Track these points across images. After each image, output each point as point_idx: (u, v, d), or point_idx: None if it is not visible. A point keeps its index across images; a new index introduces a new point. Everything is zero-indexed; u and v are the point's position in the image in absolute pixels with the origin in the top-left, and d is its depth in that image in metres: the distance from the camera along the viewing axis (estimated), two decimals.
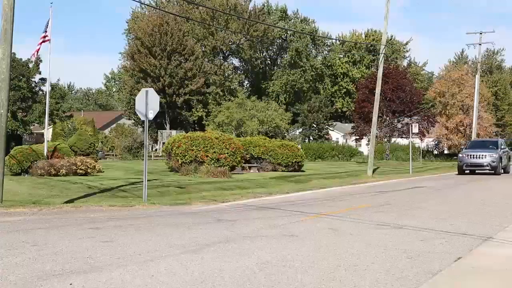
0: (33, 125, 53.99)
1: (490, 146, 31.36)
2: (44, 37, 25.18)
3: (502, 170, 31.04)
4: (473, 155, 29.99)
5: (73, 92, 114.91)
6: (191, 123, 63.18)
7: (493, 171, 29.60)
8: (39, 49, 25.73)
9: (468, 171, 30.41)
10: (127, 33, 69.07)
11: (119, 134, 60.27)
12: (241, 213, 12.39)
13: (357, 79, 72.11)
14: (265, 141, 30.08)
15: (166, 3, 68.11)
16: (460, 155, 31.05)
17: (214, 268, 6.62)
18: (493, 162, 29.38)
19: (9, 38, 13.31)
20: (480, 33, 49.71)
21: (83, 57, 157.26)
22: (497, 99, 79.96)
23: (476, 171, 30.55)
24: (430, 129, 56.17)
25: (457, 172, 30.85)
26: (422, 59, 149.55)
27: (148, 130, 17.22)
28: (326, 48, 77.93)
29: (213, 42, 65.10)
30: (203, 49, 65.27)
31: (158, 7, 63.53)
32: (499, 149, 30.46)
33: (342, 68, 78.06)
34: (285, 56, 72.08)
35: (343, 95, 78.54)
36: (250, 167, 28.64)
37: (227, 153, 24.89)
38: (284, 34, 71.10)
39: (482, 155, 29.76)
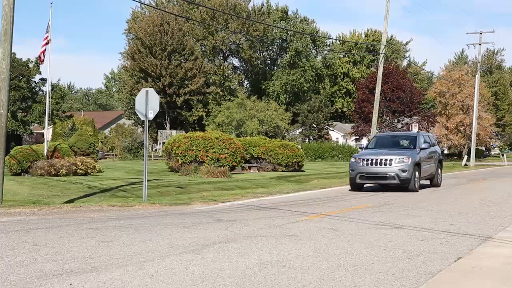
0: (33, 125, 54.00)
1: (404, 144, 20.42)
2: (47, 38, 25.25)
3: (431, 181, 21.09)
4: (372, 160, 18.48)
5: (73, 92, 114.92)
6: (191, 123, 63.17)
7: (403, 185, 18.27)
8: (44, 50, 25.79)
9: (363, 185, 19.21)
10: (127, 33, 69.05)
11: (119, 134, 60.30)
12: (241, 213, 12.39)
13: (357, 79, 72.13)
14: (265, 141, 30.09)
15: (166, 3, 68.11)
16: (352, 159, 19.45)
17: (214, 268, 6.62)
18: (403, 171, 18.06)
19: (9, 38, 13.31)
20: (480, 33, 49.75)
21: (83, 57, 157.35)
22: (497, 99, 79.98)
23: (377, 184, 19.67)
24: (430, 129, 56.13)
25: (350, 188, 19.52)
26: (422, 59, 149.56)
27: (148, 130, 17.22)
28: (326, 48, 77.95)
29: (213, 42, 65.10)
30: (203, 49, 65.28)
31: (158, 7, 63.50)
32: (417, 149, 19.34)
33: (342, 68, 78.07)
34: (285, 56, 72.07)
35: (343, 95, 78.55)
36: (250, 167, 28.64)
37: (227, 153, 24.88)
38: (284, 34, 71.11)
39: (386, 160, 18.34)
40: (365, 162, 18.56)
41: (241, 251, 7.69)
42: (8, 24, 13.27)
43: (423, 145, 19.64)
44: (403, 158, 18.31)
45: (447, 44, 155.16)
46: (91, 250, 7.72)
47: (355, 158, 19.24)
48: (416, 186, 18.52)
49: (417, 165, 18.76)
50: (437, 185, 21.02)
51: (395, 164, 18.21)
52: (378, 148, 19.91)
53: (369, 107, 45.37)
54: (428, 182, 21.03)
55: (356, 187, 18.99)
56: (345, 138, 69.63)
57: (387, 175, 18.22)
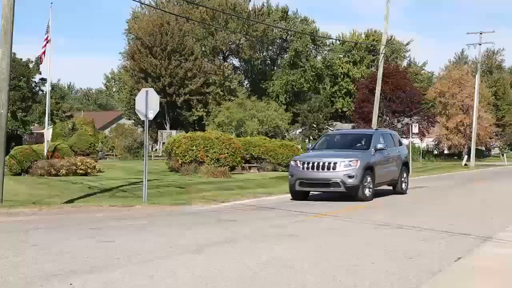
0: (33, 125, 53.95)
1: (357, 145, 16.98)
2: (47, 38, 25.26)
3: (394, 187, 17.67)
4: (313, 164, 15.29)
5: (73, 92, 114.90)
6: (191, 123, 63.14)
7: (349, 193, 15.14)
8: (44, 51, 25.80)
9: (307, 193, 16.19)
10: (127, 33, 69.02)
11: (119, 134, 60.20)
12: (241, 213, 12.39)
13: (357, 79, 72.11)
14: (265, 141, 30.09)
15: (166, 3, 68.09)
16: (292, 162, 16.30)
17: (214, 268, 6.61)
18: (350, 176, 14.91)
19: (9, 38, 13.31)
20: (480, 33, 49.71)
21: (83, 57, 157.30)
22: (497, 99, 79.99)
23: (319, 192, 16.64)
24: (430, 129, 56.18)
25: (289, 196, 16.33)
26: (422, 59, 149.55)
27: (148, 130, 17.21)
28: (326, 48, 77.89)
29: (213, 42, 65.08)
30: (203, 49, 65.25)
31: (158, 7, 63.51)
32: (371, 150, 16.11)
33: (342, 68, 78.04)
34: (285, 56, 72.07)
35: (343, 95, 78.49)
36: (250, 167, 28.64)
37: (227, 153, 24.89)
38: (284, 34, 71.10)
39: (329, 164, 15.14)
40: (305, 166, 15.33)
41: (241, 251, 7.69)
42: (8, 24, 13.27)
43: (380, 146, 16.31)
44: (350, 161, 15.09)
45: (447, 44, 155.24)
46: (91, 250, 7.72)
47: (295, 161, 15.99)
48: (368, 194, 15.24)
49: (369, 169, 15.50)
50: (401, 192, 17.53)
51: (340, 168, 14.98)
52: (326, 149, 16.91)
53: (369, 107, 45.31)
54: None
55: (297, 195, 15.74)
56: None
57: (331, 182, 15.01)
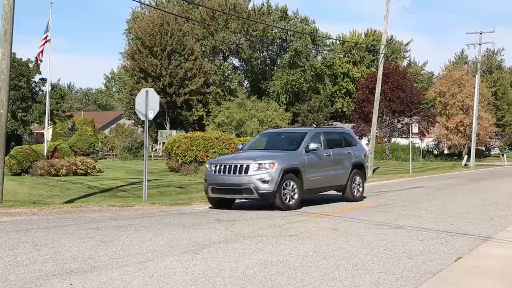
0: (33, 125, 54.00)
1: (291, 145, 14.49)
2: (46, 38, 25.25)
3: (343, 193, 15.32)
4: (225, 166, 13.34)
5: (73, 92, 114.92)
6: (191, 123, 63.16)
7: (264, 201, 13.08)
8: (42, 50, 25.79)
9: (219, 200, 13.68)
10: (127, 33, 69.04)
11: (119, 134, 60.25)
12: (240, 213, 12.38)
13: (357, 79, 72.10)
14: None
15: (166, 3, 68.10)
16: (207, 165, 14.27)
17: (214, 268, 6.62)
18: (264, 181, 12.79)
19: (9, 38, 13.32)
20: (480, 33, 49.77)
21: (83, 57, 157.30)
22: (497, 99, 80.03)
23: (233, 199, 13.99)
24: (430, 129, 56.16)
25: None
26: (422, 59, 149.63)
27: (148, 130, 17.21)
28: (326, 48, 77.89)
29: (213, 42, 65.09)
30: (203, 49, 65.26)
31: (158, 7, 63.51)
32: (300, 151, 13.95)
33: (342, 68, 78.05)
34: (285, 56, 72.07)
35: (343, 95, 78.51)
36: None
37: (227, 153, 24.89)
38: (284, 34, 71.09)
39: (241, 166, 13.09)
40: (217, 169, 13.37)
41: (241, 251, 7.69)
42: (8, 24, 13.27)
43: (313, 146, 14.00)
44: (266, 163, 12.89)
45: (447, 44, 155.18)
46: (91, 250, 7.72)
47: (210, 163, 13.90)
48: (290, 202, 13.09)
49: (294, 173, 13.31)
50: (352, 199, 15.14)
51: (253, 171, 12.83)
52: (254, 150, 14.77)
53: (369, 107, 45.32)
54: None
55: (213, 203, 13.70)
56: None
57: (242, 187, 12.90)
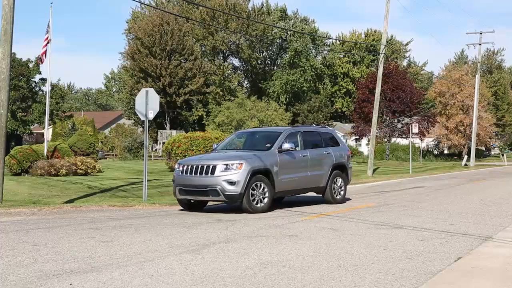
0: (33, 125, 54.01)
1: (265, 145, 13.69)
2: (47, 38, 25.26)
3: (323, 195, 14.67)
4: (192, 167, 12.84)
5: (73, 92, 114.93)
6: (191, 123, 63.17)
7: (231, 203, 12.68)
8: (45, 51, 25.81)
9: (188, 201, 13.22)
10: (127, 33, 69.03)
11: (119, 134, 60.26)
12: (241, 213, 12.38)
13: (357, 79, 72.11)
14: None
15: (166, 3, 68.11)
16: (176, 165, 13.67)
17: (214, 268, 6.62)
18: (231, 183, 12.23)
19: (9, 38, 13.32)
20: (480, 33, 49.76)
21: (83, 57, 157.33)
22: (497, 99, 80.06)
23: (205, 202, 13.50)
24: (430, 129, 56.17)
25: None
26: (422, 59, 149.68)
27: (148, 130, 17.20)
28: (326, 48, 77.89)
29: (213, 42, 65.11)
30: (203, 49, 65.27)
31: (158, 7, 63.51)
32: (273, 151, 13.27)
33: (342, 68, 78.06)
34: (285, 56, 72.07)
35: (343, 95, 78.52)
36: None
37: None
38: (284, 34, 71.09)
39: (208, 167, 12.55)
40: (184, 170, 12.90)
41: (241, 251, 7.69)
42: (8, 24, 13.28)
43: (287, 146, 13.32)
44: (233, 164, 12.34)
45: (447, 44, 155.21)
46: (91, 250, 7.72)
47: (179, 164, 13.41)
48: (259, 205, 12.48)
49: (264, 174, 12.71)
50: (333, 201, 14.47)
51: (220, 172, 12.29)
52: (227, 150, 14.26)
53: (369, 107, 45.33)
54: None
55: (184, 205, 13.23)
56: (345, 138, 69.57)
57: (208, 189, 12.34)
